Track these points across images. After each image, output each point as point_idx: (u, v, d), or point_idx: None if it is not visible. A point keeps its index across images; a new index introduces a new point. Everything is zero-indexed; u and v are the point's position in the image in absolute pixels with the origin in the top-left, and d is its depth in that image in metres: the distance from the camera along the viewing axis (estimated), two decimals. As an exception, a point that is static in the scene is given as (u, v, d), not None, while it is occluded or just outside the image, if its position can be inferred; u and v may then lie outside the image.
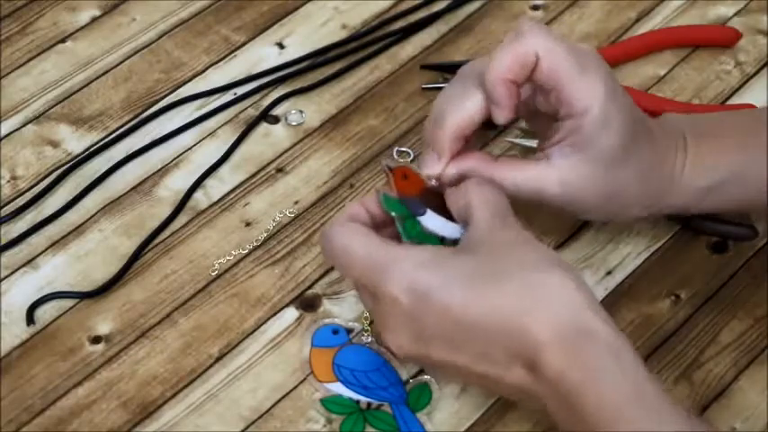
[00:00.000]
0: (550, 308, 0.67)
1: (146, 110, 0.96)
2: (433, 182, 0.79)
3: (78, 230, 0.89)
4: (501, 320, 0.68)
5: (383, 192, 0.76)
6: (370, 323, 0.82)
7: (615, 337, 0.67)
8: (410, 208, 0.76)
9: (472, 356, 0.69)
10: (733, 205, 0.82)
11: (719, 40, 1.00)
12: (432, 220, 0.75)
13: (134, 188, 0.91)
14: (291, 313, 0.84)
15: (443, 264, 0.70)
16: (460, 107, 0.78)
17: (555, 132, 0.78)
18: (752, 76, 0.98)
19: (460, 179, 0.77)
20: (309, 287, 0.85)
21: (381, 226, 0.76)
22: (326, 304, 0.84)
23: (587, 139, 0.76)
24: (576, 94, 0.76)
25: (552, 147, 0.78)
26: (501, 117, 0.77)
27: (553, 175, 0.77)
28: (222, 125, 0.95)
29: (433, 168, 0.78)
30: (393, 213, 0.75)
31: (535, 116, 0.81)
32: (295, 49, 1.00)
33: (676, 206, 0.82)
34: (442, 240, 0.75)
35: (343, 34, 1.01)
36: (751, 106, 0.94)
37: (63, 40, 1.01)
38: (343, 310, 0.84)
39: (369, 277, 0.71)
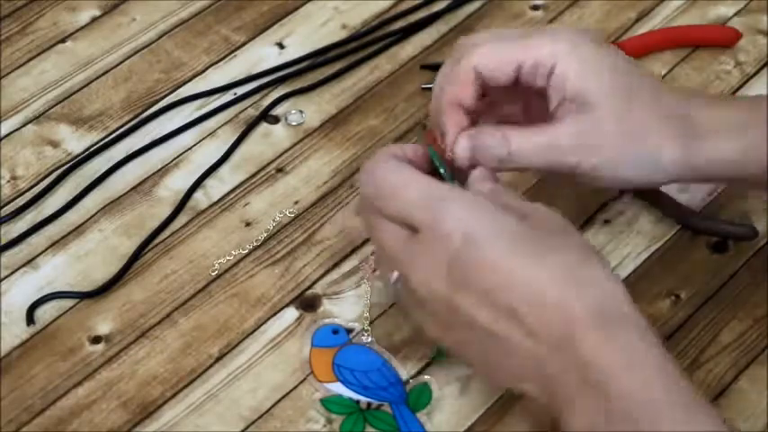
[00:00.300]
0: (595, 292, 0.67)
1: (146, 110, 0.96)
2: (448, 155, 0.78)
3: (78, 230, 0.89)
4: (542, 287, 0.67)
5: (431, 146, 0.77)
6: (371, 323, 0.82)
7: (651, 330, 0.67)
8: (451, 171, 0.76)
9: (501, 314, 0.68)
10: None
11: (719, 40, 1.00)
12: None
13: (134, 188, 0.91)
14: (291, 313, 0.84)
15: (503, 221, 0.69)
16: (454, 78, 0.77)
17: (549, 105, 0.76)
18: (752, 76, 0.98)
19: (471, 161, 0.76)
20: (309, 287, 0.85)
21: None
22: (326, 304, 0.84)
23: (574, 88, 0.75)
24: (537, 55, 0.75)
25: (552, 112, 0.76)
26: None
27: (564, 130, 0.75)
28: (222, 125, 0.95)
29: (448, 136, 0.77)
30: (440, 169, 0.75)
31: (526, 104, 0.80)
32: (295, 49, 1.00)
33: (718, 161, 0.77)
34: None
35: (343, 34, 1.01)
36: None
37: (63, 40, 1.01)
38: (343, 310, 0.84)
39: (419, 210, 0.70)
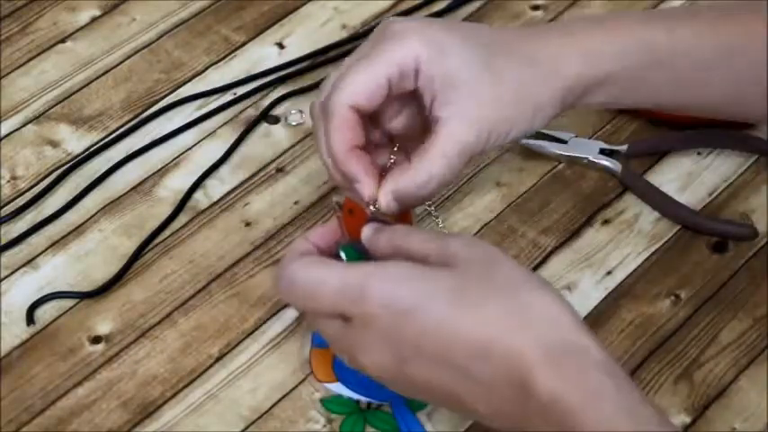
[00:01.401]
0: (540, 327, 0.65)
1: (146, 110, 0.96)
2: (372, 208, 0.76)
3: (78, 230, 0.89)
4: (488, 339, 0.65)
5: (341, 244, 0.74)
6: None
7: (606, 355, 0.65)
8: (362, 252, 0.73)
9: (455, 375, 0.67)
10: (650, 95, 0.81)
11: (719, 40, 0.99)
12: None
13: (134, 188, 0.91)
14: (291, 313, 0.84)
15: (424, 279, 0.68)
16: (337, 126, 0.75)
17: (427, 105, 0.76)
18: (752, 76, 0.98)
19: (400, 205, 0.76)
20: (309, 287, 0.85)
21: (328, 254, 0.74)
22: (326, 304, 0.84)
23: (441, 76, 0.74)
24: (399, 63, 0.74)
25: (435, 112, 0.75)
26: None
27: (457, 124, 0.75)
28: (222, 125, 0.95)
29: (366, 194, 0.76)
30: (347, 259, 0.73)
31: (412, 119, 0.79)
32: (295, 49, 1.00)
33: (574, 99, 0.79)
34: None
35: (343, 34, 1.01)
36: None
37: (63, 40, 1.01)
38: (343, 310, 0.84)
39: (342, 301, 0.68)
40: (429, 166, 0.75)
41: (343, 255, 0.73)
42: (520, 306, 0.66)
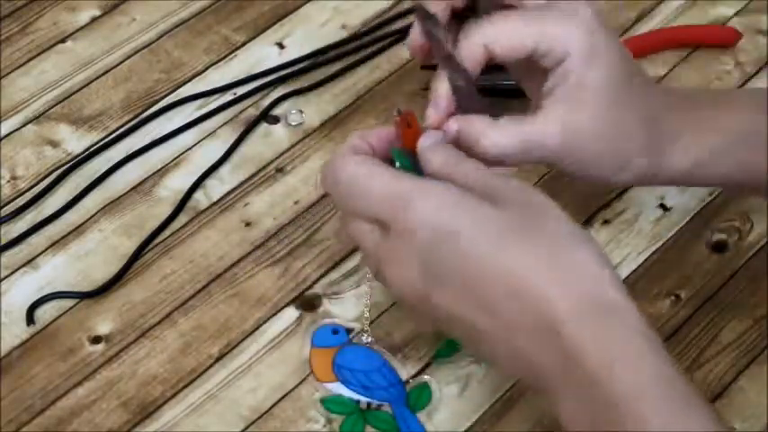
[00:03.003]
0: (577, 282, 0.64)
1: (146, 110, 0.96)
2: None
3: (78, 230, 0.89)
4: (523, 281, 0.64)
5: (394, 146, 0.72)
6: (371, 323, 0.82)
7: (643, 319, 0.64)
8: (414, 163, 0.72)
9: (481, 309, 0.65)
10: (740, 174, 0.78)
11: (719, 40, 1.00)
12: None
13: (134, 188, 0.91)
14: (291, 313, 0.84)
15: (473, 209, 0.66)
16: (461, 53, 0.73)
17: (544, 85, 0.74)
18: (752, 76, 0.98)
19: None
20: (309, 287, 0.85)
21: (382, 158, 0.72)
22: (326, 304, 0.84)
23: (577, 80, 0.73)
24: (552, 40, 0.73)
25: (545, 99, 0.74)
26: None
27: (551, 124, 0.73)
28: (222, 125, 0.95)
29: (430, 119, 0.74)
30: (399, 164, 0.71)
31: (525, 72, 0.77)
32: (295, 49, 1.00)
33: (677, 170, 0.77)
34: None
35: (343, 34, 1.01)
36: None
37: (63, 40, 1.01)
38: (343, 310, 0.84)
39: (386, 208, 0.67)
40: (497, 131, 0.73)
41: (396, 160, 0.72)
42: (561, 258, 0.65)
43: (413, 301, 0.68)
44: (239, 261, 0.87)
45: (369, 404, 0.79)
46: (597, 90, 0.74)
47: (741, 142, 0.77)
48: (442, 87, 0.74)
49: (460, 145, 0.73)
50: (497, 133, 0.73)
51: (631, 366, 0.62)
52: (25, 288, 0.85)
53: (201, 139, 0.95)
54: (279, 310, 0.84)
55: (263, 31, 1.01)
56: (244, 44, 1.01)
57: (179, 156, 0.93)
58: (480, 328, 0.66)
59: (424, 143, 0.72)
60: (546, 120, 0.74)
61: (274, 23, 1.02)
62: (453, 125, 0.73)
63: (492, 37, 0.73)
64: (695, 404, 0.62)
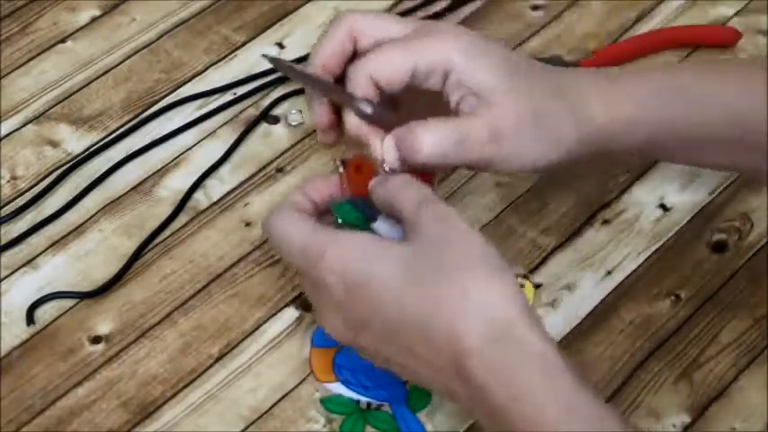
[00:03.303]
0: (481, 314, 0.66)
1: (146, 110, 0.96)
2: (387, 169, 0.74)
3: (78, 230, 0.89)
4: (431, 320, 0.66)
5: (333, 201, 0.74)
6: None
7: (544, 344, 0.65)
8: (360, 210, 0.73)
9: (400, 350, 0.68)
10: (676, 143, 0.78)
11: (719, 40, 1.00)
12: (382, 225, 0.73)
13: (134, 188, 0.91)
14: (291, 313, 0.84)
15: (378, 254, 0.69)
16: (353, 86, 0.74)
17: (450, 105, 0.75)
18: (752, 76, 0.98)
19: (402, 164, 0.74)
20: (309, 287, 0.85)
21: (324, 212, 0.74)
22: (326, 304, 0.84)
23: (469, 87, 0.74)
24: (431, 58, 0.74)
25: (455, 107, 0.74)
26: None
27: (475, 123, 0.73)
28: (222, 125, 0.95)
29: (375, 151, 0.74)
30: (339, 218, 0.73)
31: (429, 105, 0.77)
32: (295, 49, 1.00)
33: (606, 129, 0.77)
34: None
35: (343, 34, 1.01)
36: None
37: (63, 40, 1.01)
38: (343, 310, 0.84)
39: (305, 263, 0.70)
40: (434, 130, 0.73)
41: (335, 213, 0.73)
42: (464, 291, 0.66)
43: (343, 341, 0.72)
44: (239, 261, 0.87)
45: (369, 404, 0.79)
46: (496, 87, 0.74)
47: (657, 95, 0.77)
48: (322, 112, 0.76)
49: (404, 159, 0.74)
50: (430, 130, 0.73)
51: (534, 401, 0.64)
52: (25, 288, 0.85)
53: (201, 139, 0.95)
54: (279, 310, 0.84)
55: (263, 31, 1.01)
56: (244, 44, 1.01)
57: (179, 156, 0.93)
58: (408, 367, 0.69)
59: (371, 183, 0.74)
60: (465, 120, 0.74)
61: (274, 23, 1.02)
62: (389, 140, 0.74)
63: (373, 69, 0.74)
64: (602, 420, 0.64)
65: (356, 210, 0.73)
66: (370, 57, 0.75)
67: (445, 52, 0.74)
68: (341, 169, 0.75)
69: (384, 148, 0.74)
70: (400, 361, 0.69)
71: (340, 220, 0.73)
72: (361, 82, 0.74)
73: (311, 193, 0.75)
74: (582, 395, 0.65)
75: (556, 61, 0.97)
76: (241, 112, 0.96)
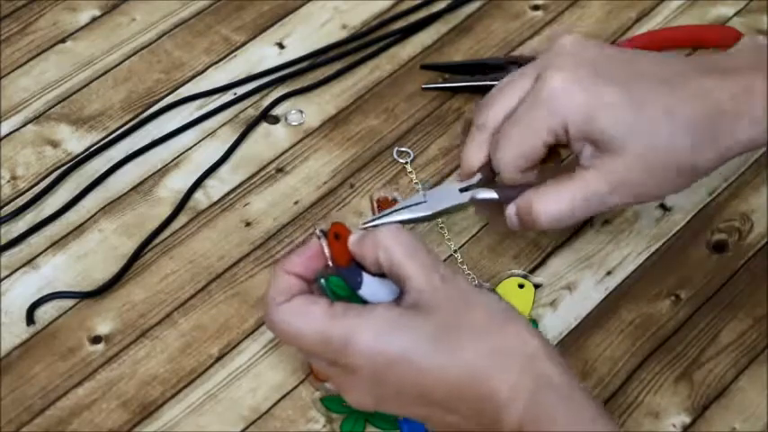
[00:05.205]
0: (512, 367, 0.68)
1: (146, 110, 0.96)
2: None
3: (78, 230, 0.89)
4: (463, 382, 0.68)
5: (321, 276, 0.72)
6: None
7: (568, 379, 0.68)
8: (348, 282, 0.72)
9: (433, 410, 0.70)
10: None
11: (719, 40, 1.00)
12: (369, 287, 0.72)
13: (134, 188, 0.91)
14: (291, 313, 0.84)
15: (402, 328, 0.69)
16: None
17: (575, 151, 0.78)
18: (752, 76, 0.98)
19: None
20: (309, 287, 0.85)
21: (312, 281, 0.73)
22: (326, 304, 0.84)
23: (600, 135, 0.75)
24: (560, 130, 0.77)
25: (579, 161, 0.77)
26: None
27: (595, 175, 0.76)
28: (222, 125, 0.95)
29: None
30: (330, 293, 0.72)
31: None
32: (295, 49, 1.00)
33: (746, 140, 0.77)
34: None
35: (343, 34, 1.01)
36: None
37: (63, 40, 1.01)
38: (343, 310, 0.84)
39: (330, 354, 0.70)
40: (546, 200, 0.78)
41: (325, 290, 0.72)
42: (492, 347, 0.69)
43: (369, 410, 0.73)
44: (239, 261, 0.87)
45: (369, 404, 0.79)
46: (617, 130, 0.75)
47: None
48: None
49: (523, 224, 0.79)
50: (543, 201, 0.78)
51: (549, 428, 0.67)
52: (25, 288, 0.85)
53: (201, 139, 0.95)
54: (279, 310, 0.84)
55: (263, 31, 1.01)
56: (244, 44, 1.01)
57: (179, 156, 0.93)
58: (437, 421, 0.71)
59: (351, 240, 0.73)
60: (586, 174, 0.77)
61: (274, 23, 1.02)
62: (511, 209, 0.79)
63: (514, 163, 0.78)
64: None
65: (344, 281, 0.73)
66: (501, 157, 0.79)
67: (561, 118, 0.76)
68: (322, 240, 0.73)
69: (506, 215, 0.79)
70: (441, 418, 0.70)
71: (332, 296, 0.72)
72: (508, 162, 0.79)
73: (294, 269, 0.73)
74: (601, 420, 0.68)
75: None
76: (241, 112, 0.96)
